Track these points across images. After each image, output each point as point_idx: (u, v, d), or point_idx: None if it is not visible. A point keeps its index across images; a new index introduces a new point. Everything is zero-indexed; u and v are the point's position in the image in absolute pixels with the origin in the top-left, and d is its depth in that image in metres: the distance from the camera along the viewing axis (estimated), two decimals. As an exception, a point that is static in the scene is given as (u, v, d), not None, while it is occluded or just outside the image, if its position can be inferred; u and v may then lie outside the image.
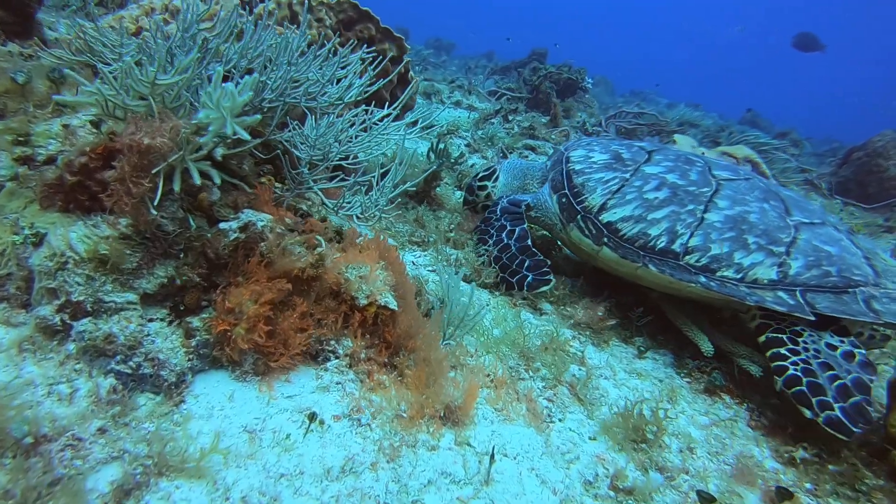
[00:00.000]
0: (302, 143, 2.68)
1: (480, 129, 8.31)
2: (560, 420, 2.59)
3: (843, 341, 2.97)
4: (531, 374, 2.85)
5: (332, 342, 2.26)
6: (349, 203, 2.81)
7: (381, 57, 3.25)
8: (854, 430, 2.60)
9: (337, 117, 2.85)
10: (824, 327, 3.04)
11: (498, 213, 4.13)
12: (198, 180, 1.93)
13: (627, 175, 3.74)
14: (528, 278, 3.66)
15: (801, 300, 3.02)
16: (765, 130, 15.82)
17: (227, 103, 1.90)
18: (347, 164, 2.83)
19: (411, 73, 4.53)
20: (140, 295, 2.00)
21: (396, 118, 3.16)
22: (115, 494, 1.55)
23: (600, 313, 3.51)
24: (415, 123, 3.21)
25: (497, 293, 3.72)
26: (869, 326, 3.23)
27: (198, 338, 2.01)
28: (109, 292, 1.95)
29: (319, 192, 2.73)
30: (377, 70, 3.01)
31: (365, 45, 3.40)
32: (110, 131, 2.02)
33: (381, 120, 3.05)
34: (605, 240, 3.58)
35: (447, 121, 8.33)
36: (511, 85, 11.75)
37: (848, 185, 9.88)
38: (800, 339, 2.98)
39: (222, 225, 2.09)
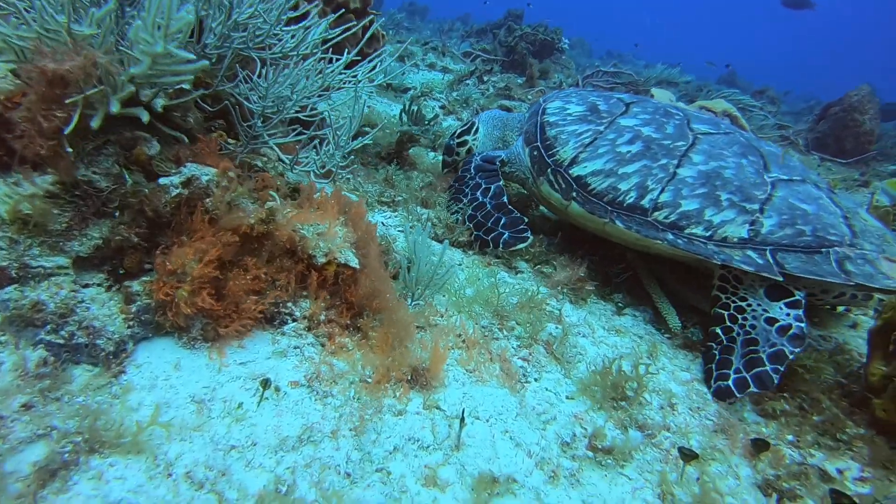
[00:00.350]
0: (254, 95, 2.49)
1: (455, 91, 8.08)
2: (536, 380, 2.47)
3: (788, 314, 2.88)
4: (505, 333, 2.72)
5: (289, 304, 2.11)
6: (306, 159, 2.63)
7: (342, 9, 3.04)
8: (737, 395, 2.65)
9: (294, 66, 2.66)
10: (779, 293, 2.97)
11: (472, 170, 3.99)
12: (115, 108, 1.75)
13: (602, 128, 3.62)
14: (505, 235, 3.53)
15: (771, 259, 2.94)
16: (743, 90, 15.75)
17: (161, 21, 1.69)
18: (304, 116, 2.65)
19: (378, 26, 4.31)
20: (72, 259, 1.82)
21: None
22: (38, 476, 1.40)
23: (582, 273, 3.38)
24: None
25: (471, 252, 3.58)
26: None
27: (139, 303, 1.85)
28: (37, 256, 1.77)
29: (275, 147, 2.55)
30: (335, 19, 2.81)
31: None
32: (16, 71, 1.82)
33: (346, 69, 2.86)
34: (574, 194, 3.47)
35: (421, 83, 8.09)
36: (486, 46, 11.48)
37: (825, 141, 9.82)
38: (740, 316, 2.95)
39: (162, 180, 1.91)
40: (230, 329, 1.92)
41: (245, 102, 2.52)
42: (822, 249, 2.94)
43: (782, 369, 2.66)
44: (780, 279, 2.88)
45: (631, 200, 3.27)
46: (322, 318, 2.12)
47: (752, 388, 2.64)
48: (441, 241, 3.55)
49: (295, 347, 2.05)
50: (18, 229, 1.76)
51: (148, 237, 1.94)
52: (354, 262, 2.16)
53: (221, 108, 2.58)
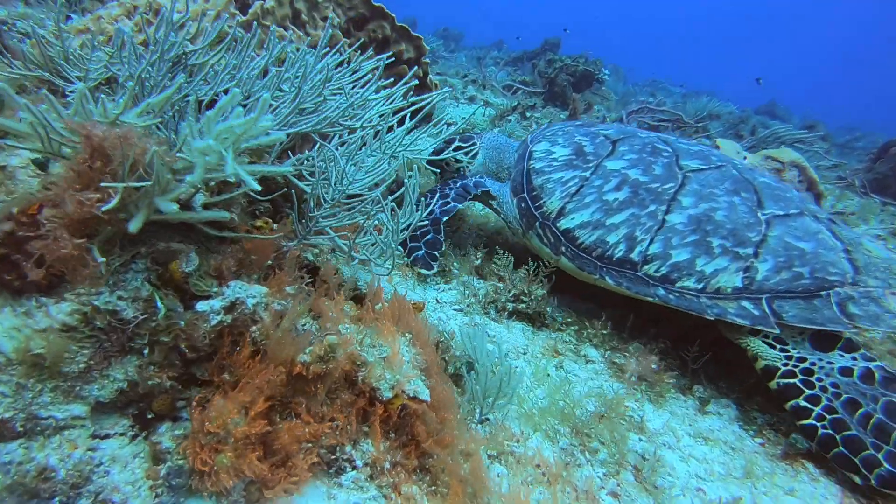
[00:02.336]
0: (313, 176, 2.16)
1: (497, 127, 7.75)
2: (629, 524, 2.08)
3: (855, 358, 2.65)
4: (588, 457, 2.33)
5: (348, 448, 1.74)
6: (360, 243, 2.28)
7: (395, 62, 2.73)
8: None
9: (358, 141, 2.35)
10: (827, 340, 2.73)
11: (455, 184, 3.78)
12: (170, 209, 1.42)
13: (588, 173, 3.37)
14: (419, 252, 3.41)
15: (767, 309, 2.74)
16: (782, 120, 15.18)
17: (231, 132, 1.35)
18: (362, 190, 2.30)
19: (431, 76, 3.99)
20: (90, 406, 1.49)
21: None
22: None
23: (654, 366, 2.97)
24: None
25: (534, 330, 3.21)
26: None
27: (169, 463, 1.50)
28: (47, 405, 1.44)
29: (332, 233, 2.20)
30: (402, 90, 2.49)
31: (372, 48, 2.87)
32: (46, 183, 1.50)
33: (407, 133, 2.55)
34: (563, 249, 3.26)
35: (461, 117, 7.77)
36: (525, 78, 11.17)
37: (886, 182, 9.26)
38: (813, 378, 2.63)
39: (201, 306, 1.57)
40: (277, 489, 1.56)
41: (298, 182, 2.20)
42: (822, 292, 2.74)
43: None
44: (777, 331, 2.69)
45: (620, 254, 3.07)
46: (386, 464, 1.75)
47: None
48: (501, 315, 3.21)
49: (353, 504, 1.69)
50: (27, 371, 1.43)
51: (182, 374, 1.60)
52: (425, 395, 1.79)
53: (270, 189, 2.26)
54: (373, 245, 2.28)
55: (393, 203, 2.25)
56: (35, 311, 1.47)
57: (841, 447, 2.45)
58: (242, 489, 1.57)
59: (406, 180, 2.27)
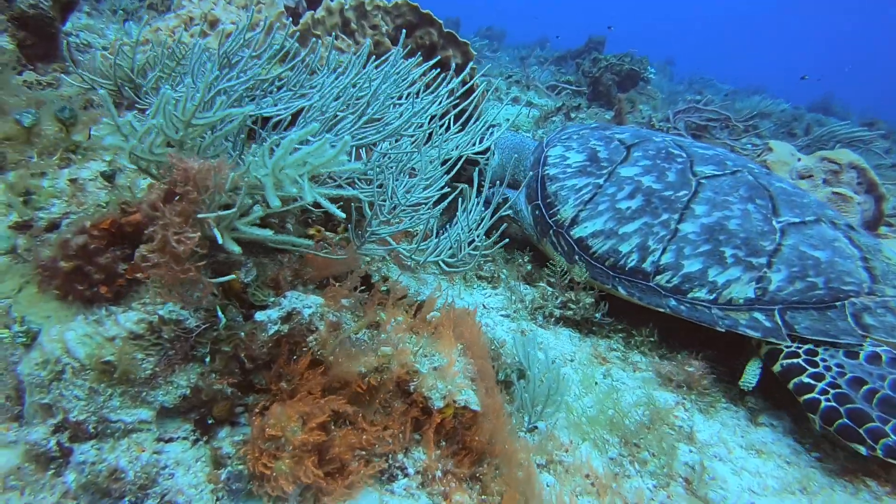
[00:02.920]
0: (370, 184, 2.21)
1: (541, 129, 7.71)
2: (679, 537, 2.06)
3: (861, 344, 2.62)
4: (638, 468, 2.31)
5: (400, 456, 1.77)
6: (426, 247, 2.30)
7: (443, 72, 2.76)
8: None
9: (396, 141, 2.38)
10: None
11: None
12: (248, 232, 1.47)
13: (601, 181, 3.38)
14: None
15: (780, 321, 2.71)
16: (839, 116, 14.61)
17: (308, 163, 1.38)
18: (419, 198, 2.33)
19: (477, 79, 4.00)
20: (156, 410, 1.55)
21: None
22: None
23: (701, 373, 2.91)
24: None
25: (581, 337, 3.19)
26: None
27: (229, 468, 1.55)
28: (117, 409, 1.51)
29: (391, 240, 2.23)
30: (446, 89, 2.51)
31: (420, 53, 2.91)
32: (122, 202, 1.57)
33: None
34: (577, 257, 3.27)
35: (505, 119, 7.75)
36: (570, 78, 11.07)
37: (951, 183, 8.86)
38: (817, 358, 2.59)
39: (259, 316, 1.62)
40: (334, 496, 1.60)
41: (362, 196, 2.23)
42: (837, 303, 2.69)
43: None
44: (788, 343, 2.65)
45: (633, 264, 3.07)
46: (437, 473, 1.77)
47: None
48: (548, 322, 3.20)
49: (405, 511, 1.72)
50: (98, 377, 1.51)
51: (241, 381, 1.65)
52: (476, 405, 1.81)
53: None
54: (435, 250, 2.31)
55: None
56: (105, 319, 1.54)
57: (845, 419, 2.40)
58: (298, 494, 1.62)
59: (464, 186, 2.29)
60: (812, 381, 2.53)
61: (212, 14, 3.32)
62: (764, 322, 2.73)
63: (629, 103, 9.06)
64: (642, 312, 3.32)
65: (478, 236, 3.18)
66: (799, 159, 5.40)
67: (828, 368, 2.56)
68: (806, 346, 2.65)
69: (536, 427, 2.34)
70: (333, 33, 3.11)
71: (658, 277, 2.98)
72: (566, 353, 3.01)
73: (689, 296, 2.89)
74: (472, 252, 2.39)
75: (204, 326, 1.56)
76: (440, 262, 2.21)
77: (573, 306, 3.21)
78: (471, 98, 3.08)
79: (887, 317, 2.62)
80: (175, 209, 1.44)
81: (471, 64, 3.77)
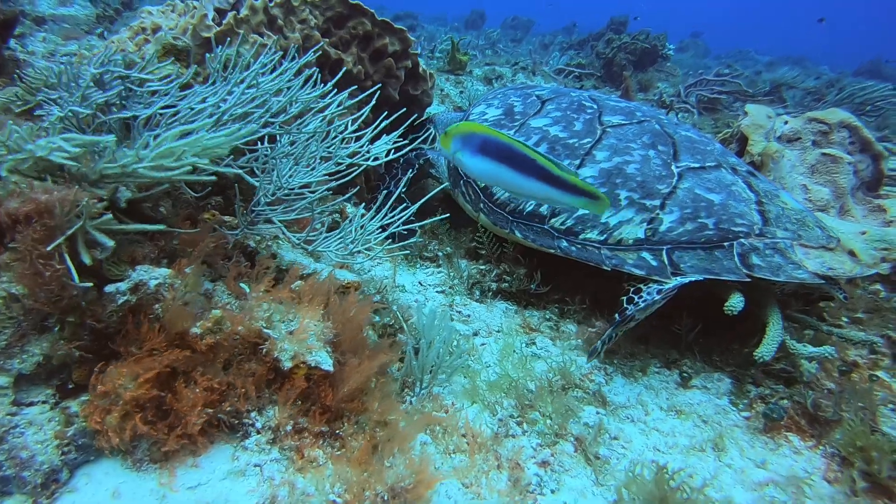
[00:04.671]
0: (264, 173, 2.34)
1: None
2: (553, 491, 2.09)
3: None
4: (526, 427, 2.36)
5: (253, 414, 1.90)
6: (323, 236, 2.42)
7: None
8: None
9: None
10: None
11: (400, 162, 3.94)
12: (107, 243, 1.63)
13: (513, 132, 3.47)
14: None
15: (666, 260, 2.78)
16: (890, 79, 13.87)
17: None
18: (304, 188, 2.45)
19: (423, 66, 4.09)
20: (14, 377, 1.73)
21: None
22: None
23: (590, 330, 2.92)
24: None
25: (517, 309, 3.23)
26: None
27: (76, 426, 1.71)
28: (-24, 376, 1.69)
29: (280, 224, 2.35)
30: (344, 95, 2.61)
31: (355, 44, 3.02)
32: None
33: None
34: (482, 205, 3.39)
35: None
36: (581, 60, 10.95)
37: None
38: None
39: (108, 288, 1.78)
40: (168, 447, 1.74)
41: (247, 178, 2.37)
42: (725, 243, 2.74)
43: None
44: (674, 282, 2.71)
45: (530, 208, 3.16)
46: (289, 428, 1.88)
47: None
48: (486, 296, 3.25)
49: (255, 465, 1.83)
50: (-41, 348, 1.69)
51: (97, 348, 1.81)
52: (327, 365, 1.91)
53: (222, 186, 2.46)
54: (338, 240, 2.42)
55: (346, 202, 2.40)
56: (-36, 296, 1.72)
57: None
58: (146, 449, 1.77)
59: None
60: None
61: (154, 23, 3.52)
62: (650, 261, 2.80)
63: (637, 81, 8.91)
64: (580, 282, 3.34)
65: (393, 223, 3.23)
66: (786, 122, 5.22)
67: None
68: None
69: (432, 392, 2.41)
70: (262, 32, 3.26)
71: (553, 220, 3.07)
72: (494, 325, 3.06)
73: (581, 237, 2.97)
74: (369, 239, 2.45)
75: (54, 299, 1.72)
76: (330, 253, 2.32)
77: (508, 278, 3.26)
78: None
79: (775, 257, 2.66)
80: (33, 235, 1.62)
81: (411, 50, 3.86)
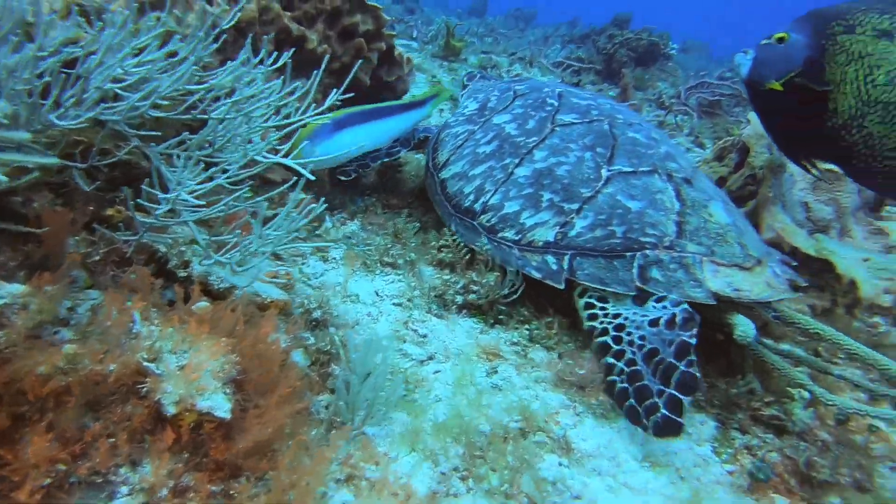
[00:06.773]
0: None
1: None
2: (492, 575, 1.74)
3: (665, 307, 2.49)
4: (472, 484, 1.99)
5: (123, 470, 1.52)
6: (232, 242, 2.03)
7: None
8: (680, 421, 2.16)
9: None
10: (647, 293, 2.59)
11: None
12: None
13: (476, 127, 3.46)
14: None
15: (566, 266, 2.69)
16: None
17: None
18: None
19: (399, 49, 3.69)
20: None
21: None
22: None
23: (582, 371, 2.55)
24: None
25: (483, 328, 2.86)
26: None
27: None
28: None
29: (192, 226, 1.96)
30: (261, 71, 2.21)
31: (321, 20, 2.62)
32: None
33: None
34: (437, 197, 3.37)
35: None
36: (580, 55, 10.55)
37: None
38: (623, 333, 2.49)
39: (-62, 306, 1.40)
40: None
41: (163, 167, 1.98)
42: (628, 253, 2.64)
43: (694, 359, 2.26)
44: (561, 287, 2.67)
45: (468, 204, 3.13)
46: (164, 492, 1.51)
47: (682, 398, 2.19)
48: (449, 310, 2.89)
49: (120, 537, 1.47)
50: None
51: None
52: (222, 411, 1.54)
53: (126, 173, 2.07)
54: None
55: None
56: None
57: (631, 399, 2.31)
58: (-24, 514, 1.39)
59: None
60: (614, 361, 2.45)
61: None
62: (552, 265, 2.73)
63: (633, 80, 8.54)
64: (557, 296, 2.98)
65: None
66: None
67: (630, 343, 2.45)
68: (615, 322, 2.54)
69: (365, 435, 2.05)
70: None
71: (482, 217, 3.03)
72: (453, 347, 2.69)
73: (499, 235, 2.93)
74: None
75: None
76: (229, 265, 1.90)
77: (475, 288, 2.90)
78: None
79: (678, 272, 2.55)
80: None
81: (385, 30, 3.46)
